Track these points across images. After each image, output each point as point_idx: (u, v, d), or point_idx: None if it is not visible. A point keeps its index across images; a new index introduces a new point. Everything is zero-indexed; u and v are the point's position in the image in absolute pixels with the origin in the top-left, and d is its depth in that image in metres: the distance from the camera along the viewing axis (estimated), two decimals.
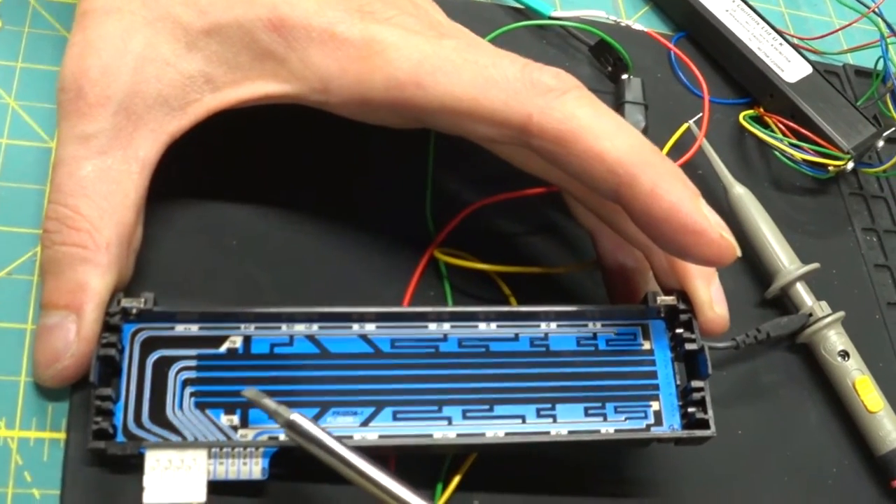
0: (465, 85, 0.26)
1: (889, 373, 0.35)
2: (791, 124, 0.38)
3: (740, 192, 0.36)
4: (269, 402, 0.25)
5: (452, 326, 0.28)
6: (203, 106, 0.28)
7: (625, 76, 0.38)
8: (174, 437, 0.26)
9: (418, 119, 0.28)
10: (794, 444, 0.33)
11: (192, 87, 0.28)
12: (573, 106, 0.26)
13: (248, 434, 0.26)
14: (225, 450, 0.26)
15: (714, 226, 0.25)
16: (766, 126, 0.39)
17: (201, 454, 0.26)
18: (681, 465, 0.31)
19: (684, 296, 0.29)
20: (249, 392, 0.25)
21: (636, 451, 0.31)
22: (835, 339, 0.34)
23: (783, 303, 0.36)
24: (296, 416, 0.25)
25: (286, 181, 0.32)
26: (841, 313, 0.34)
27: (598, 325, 0.29)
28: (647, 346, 0.29)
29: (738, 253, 0.25)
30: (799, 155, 0.38)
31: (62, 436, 0.27)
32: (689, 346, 0.28)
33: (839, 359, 0.34)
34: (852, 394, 0.33)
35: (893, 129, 0.39)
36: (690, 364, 0.28)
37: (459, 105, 0.26)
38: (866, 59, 0.43)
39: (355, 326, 0.28)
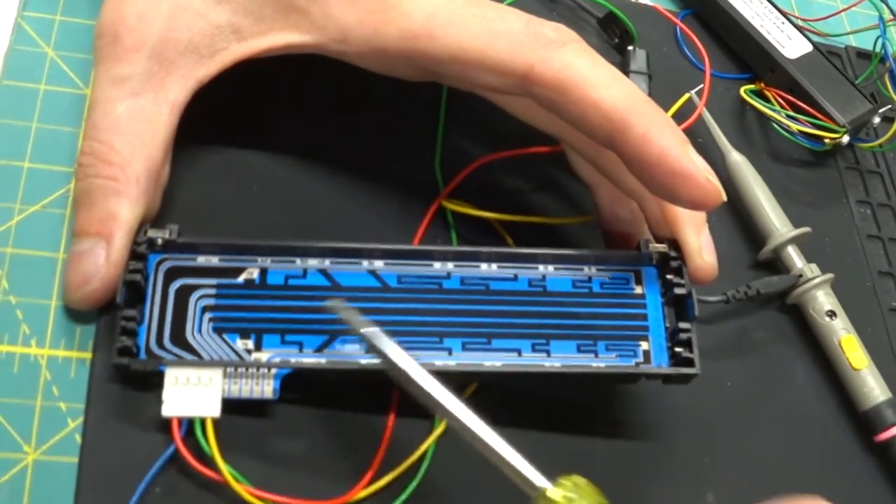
0: (472, 36, 0.28)
1: (877, 338, 0.37)
2: (790, 98, 0.40)
3: (737, 159, 0.37)
4: (352, 314, 0.27)
5: (456, 266, 0.30)
6: (230, 54, 0.30)
7: (630, 48, 0.39)
8: (192, 358, 0.27)
9: (430, 70, 0.29)
10: (782, 399, 0.35)
11: (220, 36, 0.29)
12: (571, 57, 0.27)
13: (261, 357, 0.28)
14: (240, 370, 0.27)
15: (701, 170, 0.26)
16: (766, 100, 0.40)
17: (217, 373, 0.27)
18: (671, 412, 0.32)
19: (675, 244, 0.30)
20: (333, 302, 0.27)
21: (628, 395, 0.32)
22: (823, 300, 0.35)
23: (776, 265, 0.37)
24: (371, 330, 0.26)
25: (306, 131, 0.34)
26: (830, 275, 0.35)
27: (594, 269, 0.30)
28: (638, 290, 0.30)
29: (724, 197, 0.27)
30: (796, 126, 0.38)
31: (88, 355, 0.29)
32: (679, 291, 0.29)
33: (826, 318, 0.35)
34: (838, 352, 0.34)
35: (889, 106, 0.40)
36: (679, 308, 0.30)
37: (467, 55, 0.28)
38: (869, 42, 0.43)
39: (365, 262, 0.29)
